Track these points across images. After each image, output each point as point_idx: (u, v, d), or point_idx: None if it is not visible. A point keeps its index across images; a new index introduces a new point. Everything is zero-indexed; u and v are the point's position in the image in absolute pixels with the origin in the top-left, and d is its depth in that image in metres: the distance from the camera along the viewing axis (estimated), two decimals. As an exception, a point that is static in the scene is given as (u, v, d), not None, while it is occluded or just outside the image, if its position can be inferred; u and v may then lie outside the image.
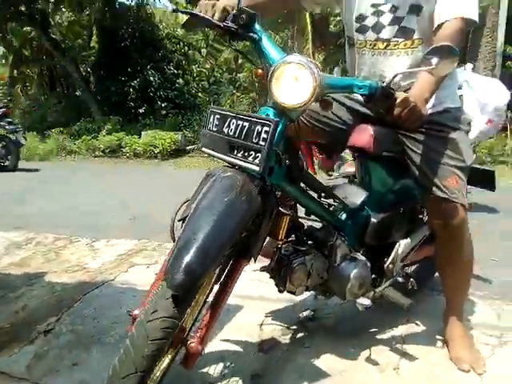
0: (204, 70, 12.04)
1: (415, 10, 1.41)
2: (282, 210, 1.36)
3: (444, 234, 1.53)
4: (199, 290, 1.23)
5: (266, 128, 1.16)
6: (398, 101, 1.19)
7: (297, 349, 1.75)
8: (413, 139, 1.50)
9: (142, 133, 8.57)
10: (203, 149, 1.35)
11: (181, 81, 11.53)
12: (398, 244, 1.64)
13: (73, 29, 12.67)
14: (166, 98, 10.86)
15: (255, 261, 1.33)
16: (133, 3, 11.17)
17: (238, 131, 1.21)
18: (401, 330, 1.88)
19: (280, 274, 1.47)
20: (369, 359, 1.67)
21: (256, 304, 2.12)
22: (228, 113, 1.27)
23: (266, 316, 2.01)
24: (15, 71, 12.94)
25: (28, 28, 11.56)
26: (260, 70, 1.41)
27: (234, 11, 1.34)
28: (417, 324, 1.92)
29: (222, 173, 1.24)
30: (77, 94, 11.48)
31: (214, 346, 1.73)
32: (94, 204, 4.38)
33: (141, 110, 10.51)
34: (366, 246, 1.64)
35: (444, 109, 1.50)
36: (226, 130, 1.25)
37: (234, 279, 1.29)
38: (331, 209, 1.62)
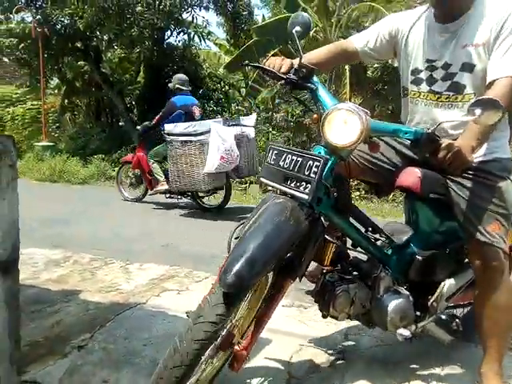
0: (242, 109, 12.43)
1: (468, 67, 1.51)
2: (328, 237, 1.51)
3: (483, 277, 1.56)
4: (248, 302, 1.44)
5: (316, 163, 1.35)
6: (442, 145, 1.31)
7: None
8: (459, 184, 1.57)
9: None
10: (261, 179, 1.57)
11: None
12: (443, 283, 1.70)
13: (122, 65, 13.52)
14: (204, 133, 11.20)
15: (300, 280, 1.50)
16: (180, 44, 11.86)
17: (292, 165, 1.41)
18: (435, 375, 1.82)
19: (324, 298, 1.58)
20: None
21: (286, 339, 2.10)
22: (284, 149, 1.48)
23: (296, 351, 2.00)
24: (66, 100, 13.79)
25: (81, 62, 12.43)
26: (315, 115, 1.54)
27: (296, 66, 1.58)
28: (451, 374, 1.86)
29: (275, 199, 1.43)
30: (120, 124, 12.03)
31: (240, 375, 1.72)
32: (129, 228, 4.52)
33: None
34: (411, 282, 1.71)
35: (493, 158, 1.57)
36: (281, 164, 1.45)
37: (279, 295, 1.45)
38: (378, 243, 1.69)
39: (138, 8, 9.91)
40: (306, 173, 1.36)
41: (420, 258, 1.66)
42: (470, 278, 1.82)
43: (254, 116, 6.03)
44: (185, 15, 11.31)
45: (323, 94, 1.56)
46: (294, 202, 1.39)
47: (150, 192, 6.09)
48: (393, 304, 1.59)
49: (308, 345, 2.06)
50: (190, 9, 10.98)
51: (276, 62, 1.61)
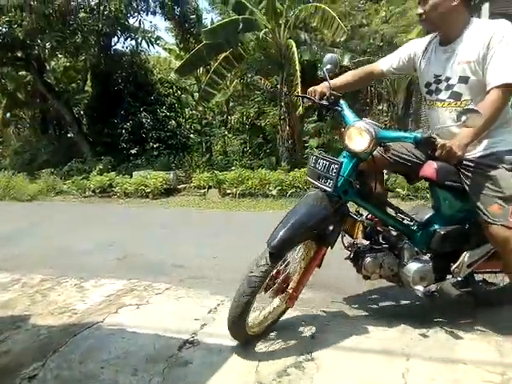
0: (196, 113, 12.30)
1: (463, 79, 1.94)
2: (354, 216, 2.11)
3: (498, 248, 1.97)
4: (299, 261, 2.07)
5: (336, 166, 1.93)
6: (438, 145, 1.73)
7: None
8: (465, 175, 1.99)
9: (134, 173, 8.59)
10: (307, 178, 2.15)
11: (173, 123, 11.74)
12: (465, 253, 2.10)
13: (68, 73, 12.98)
14: (158, 139, 11.00)
15: (332, 247, 2.06)
16: (128, 50, 11.55)
17: (322, 167, 2.00)
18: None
19: (358, 263, 2.15)
20: None
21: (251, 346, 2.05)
22: (319, 156, 2.06)
23: (264, 356, 1.95)
24: (8, 114, 13.06)
25: (23, 72, 11.81)
26: (342, 129, 2.03)
27: (328, 94, 2.16)
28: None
29: (312, 191, 2.05)
30: (68, 135, 11.55)
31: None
32: (82, 243, 4.29)
33: (133, 151, 10.59)
34: (434, 252, 2.13)
35: (490, 152, 1.95)
36: (317, 166, 2.03)
37: (318, 256, 2.04)
38: (405, 222, 2.16)
39: (81, 14, 9.54)
40: (330, 173, 1.94)
41: (441, 232, 2.08)
42: (489, 249, 2.13)
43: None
44: (131, 20, 11.06)
45: (347, 113, 2.09)
46: (323, 193, 1.97)
47: None
48: (414, 267, 2.06)
49: (276, 349, 2.02)
50: (136, 14, 10.74)
51: (313, 91, 2.22)
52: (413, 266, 2.07)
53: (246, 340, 2.02)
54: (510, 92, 1.81)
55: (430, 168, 2.00)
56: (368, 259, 2.09)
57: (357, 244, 2.15)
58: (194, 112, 12.22)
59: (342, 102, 2.14)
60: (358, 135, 1.90)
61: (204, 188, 7.85)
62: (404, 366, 1.86)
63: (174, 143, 11.31)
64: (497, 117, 1.83)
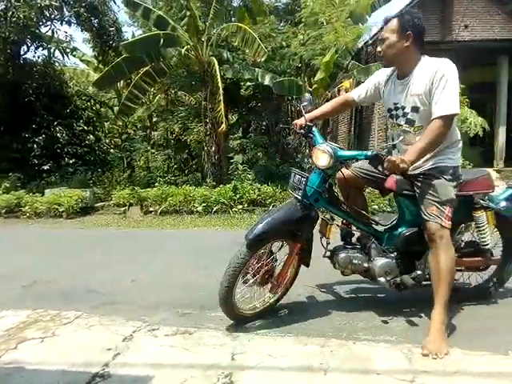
0: (116, 127, 11.81)
1: (415, 109, 2.32)
2: (325, 220, 2.55)
3: (430, 242, 2.31)
4: (285, 257, 2.50)
5: (304, 179, 2.40)
6: (385, 160, 2.12)
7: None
8: (416, 185, 2.39)
9: (46, 191, 7.96)
10: (289, 190, 2.56)
11: (91, 137, 11.14)
12: (427, 251, 2.42)
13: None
14: (74, 154, 10.36)
15: (308, 244, 2.50)
16: (40, 60, 10.80)
17: (297, 180, 2.46)
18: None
19: (332, 259, 2.58)
20: None
21: (170, 373, 1.94)
22: (296, 172, 2.51)
23: (178, 385, 1.85)
24: None
25: None
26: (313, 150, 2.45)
27: (304, 125, 2.62)
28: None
29: (289, 199, 2.53)
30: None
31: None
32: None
33: (46, 167, 9.84)
34: (400, 251, 2.50)
35: (435, 166, 2.33)
36: (294, 180, 2.50)
37: (293, 251, 2.46)
38: (373, 226, 2.60)
39: (-15, 19, 8.76)
40: (300, 184, 2.42)
41: (404, 234, 2.50)
42: None
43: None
44: (44, 29, 10.39)
45: (317, 138, 2.52)
46: (296, 200, 2.43)
47: None
48: (380, 262, 2.47)
49: (193, 375, 1.93)
50: (49, 22, 10.10)
51: (295, 124, 2.69)
52: (379, 262, 2.46)
53: (235, 318, 2.46)
54: (448, 121, 2.16)
55: (391, 180, 2.45)
56: (340, 256, 2.51)
57: (329, 244, 2.57)
58: (114, 126, 11.71)
59: (314, 129, 2.58)
60: (321, 154, 2.33)
61: (124, 206, 7.50)
62: (322, 381, 1.88)
63: (92, 159, 10.74)
64: (437, 141, 2.20)
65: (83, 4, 9.63)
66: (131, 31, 21.48)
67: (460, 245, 2.67)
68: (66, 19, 10.08)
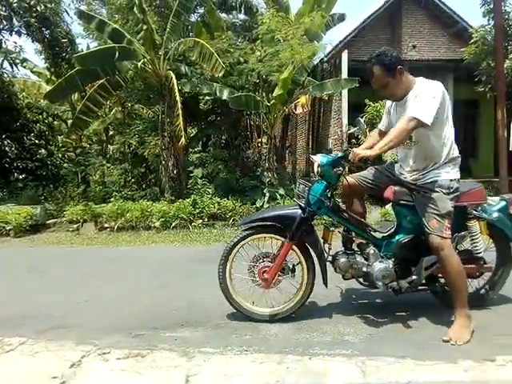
0: (70, 141, 11.40)
1: None
2: (328, 227, 2.85)
3: (436, 254, 2.53)
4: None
5: (307, 187, 2.66)
6: (349, 152, 2.52)
7: None
8: (415, 196, 2.62)
9: (-9, 208, 7.53)
10: (295, 199, 2.88)
11: (43, 151, 10.69)
12: (423, 258, 2.64)
13: None
14: (24, 169, 9.89)
15: (297, 244, 2.68)
16: (-14, 70, 10.32)
17: (301, 189, 2.75)
18: None
19: (334, 264, 2.75)
20: None
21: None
22: (300, 181, 2.80)
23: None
24: None
25: None
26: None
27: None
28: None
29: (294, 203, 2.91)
30: None
31: None
32: None
33: (-9, 183, 9.34)
34: (397, 257, 2.69)
35: (433, 180, 2.57)
36: (299, 188, 2.78)
37: (285, 249, 2.67)
38: (372, 233, 2.78)
39: None
40: (304, 193, 2.67)
41: (401, 241, 2.69)
42: None
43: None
44: (-9, 39, 9.94)
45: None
46: (299, 207, 2.70)
47: None
48: (377, 267, 2.64)
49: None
50: (-4, 32, 9.70)
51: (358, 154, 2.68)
52: (377, 267, 2.64)
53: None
54: (414, 124, 2.39)
55: (389, 191, 2.70)
56: (341, 260, 2.71)
57: (330, 249, 2.78)
58: (67, 140, 11.30)
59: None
60: (314, 163, 2.67)
61: (78, 222, 7.20)
62: (277, 398, 1.87)
63: (43, 174, 10.30)
64: (401, 138, 2.45)
65: (34, 14, 9.32)
66: (86, 43, 21.00)
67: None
68: (15, 29, 9.72)
